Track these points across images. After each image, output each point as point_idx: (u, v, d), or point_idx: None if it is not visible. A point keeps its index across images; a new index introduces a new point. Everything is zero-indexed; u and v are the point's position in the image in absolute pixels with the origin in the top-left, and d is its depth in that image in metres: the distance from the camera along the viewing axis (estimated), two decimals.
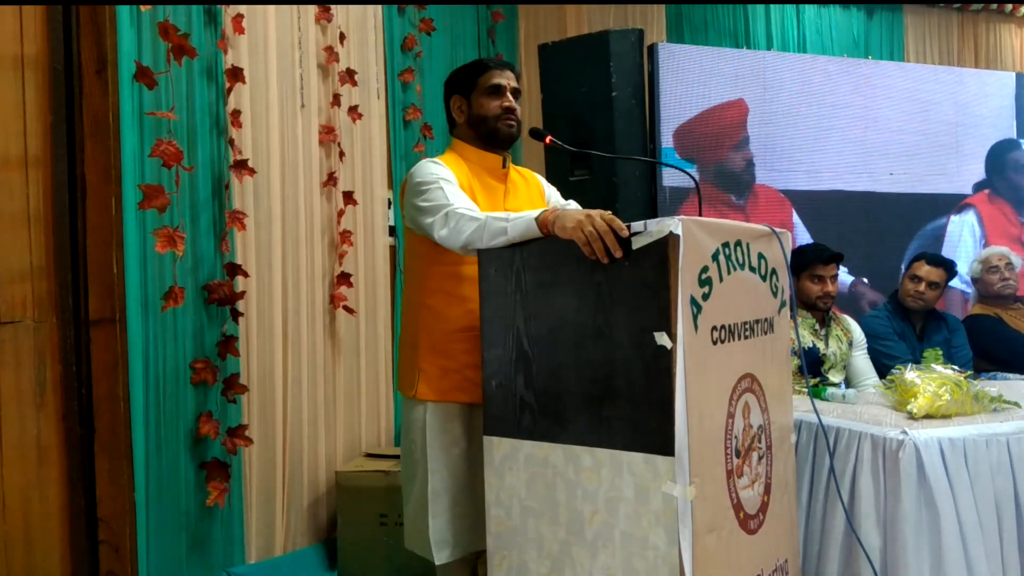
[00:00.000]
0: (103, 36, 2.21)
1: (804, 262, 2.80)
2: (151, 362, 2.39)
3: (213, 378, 2.55)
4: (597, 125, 3.15)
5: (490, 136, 1.96)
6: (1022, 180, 4.50)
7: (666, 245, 1.45)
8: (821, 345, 2.83)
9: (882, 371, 2.93)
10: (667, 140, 3.71)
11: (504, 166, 2.01)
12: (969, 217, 4.36)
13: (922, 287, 3.09)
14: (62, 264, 2.16)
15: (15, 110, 2.04)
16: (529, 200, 2.06)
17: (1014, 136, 4.46)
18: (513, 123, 1.97)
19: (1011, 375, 3.09)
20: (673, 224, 1.45)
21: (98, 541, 2.25)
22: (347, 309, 3.12)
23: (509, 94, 1.97)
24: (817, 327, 2.86)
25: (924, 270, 3.10)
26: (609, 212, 1.52)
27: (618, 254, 1.49)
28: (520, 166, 2.15)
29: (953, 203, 4.33)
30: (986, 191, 4.41)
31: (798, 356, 2.42)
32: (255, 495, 2.76)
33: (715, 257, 1.57)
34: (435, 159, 1.94)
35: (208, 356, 2.56)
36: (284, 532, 2.87)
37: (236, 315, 2.63)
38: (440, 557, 1.87)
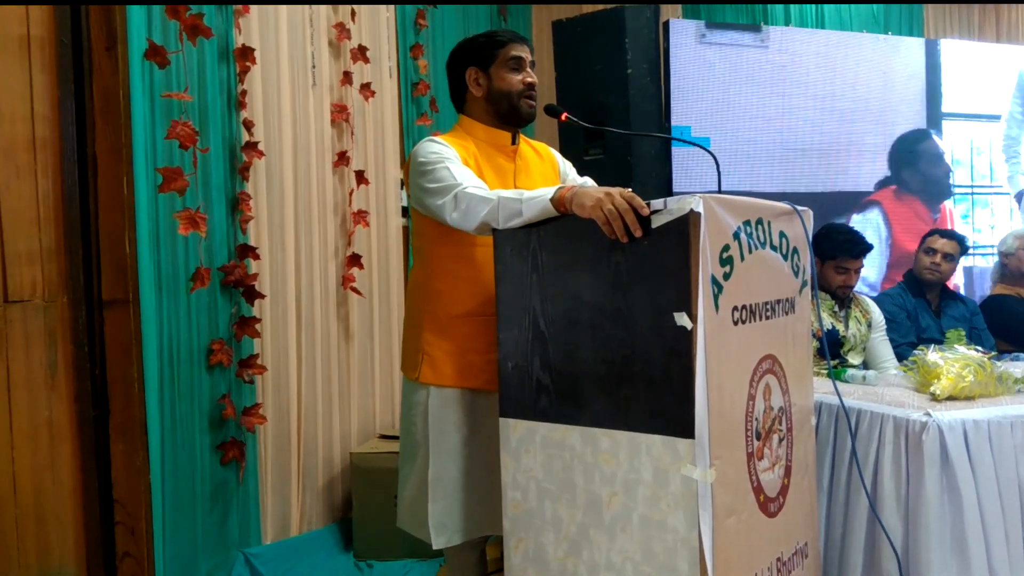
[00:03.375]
0: (112, 13, 2.18)
1: (832, 252, 2.73)
2: (165, 343, 2.38)
3: (228, 360, 2.54)
4: (612, 103, 3.11)
5: (510, 113, 1.90)
6: (937, 172, 4.06)
7: (686, 223, 1.42)
8: (840, 327, 2.79)
9: None
10: (677, 119, 3.56)
11: (514, 142, 1.95)
12: (873, 216, 3.98)
13: (938, 258, 3.09)
14: (73, 244, 2.14)
15: (23, 93, 2.02)
16: (543, 177, 2.00)
17: (923, 123, 4.01)
18: (534, 102, 1.91)
19: None
20: (694, 202, 1.41)
21: (114, 522, 2.26)
22: (355, 291, 3.10)
23: (528, 68, 1.91)
24: (836, 309, 2.81)
25: (940, 243, 3.10)
26: (628, 190, 1.48)
27: (638, 233, 1.45)
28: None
29: (854, 201, 3.94)
30: (892, 187, 3.99)
31: (817, 338, 2.38)
32: (271, 476, 2.76)
33: (736, 235, 1.53)
34: (436, 138, 1.87)
35: (223, 337, 2.55)
36: (299, 513, 2.88)
37: (254, 296, 2.61)
38: (438, 542, 1.84)
